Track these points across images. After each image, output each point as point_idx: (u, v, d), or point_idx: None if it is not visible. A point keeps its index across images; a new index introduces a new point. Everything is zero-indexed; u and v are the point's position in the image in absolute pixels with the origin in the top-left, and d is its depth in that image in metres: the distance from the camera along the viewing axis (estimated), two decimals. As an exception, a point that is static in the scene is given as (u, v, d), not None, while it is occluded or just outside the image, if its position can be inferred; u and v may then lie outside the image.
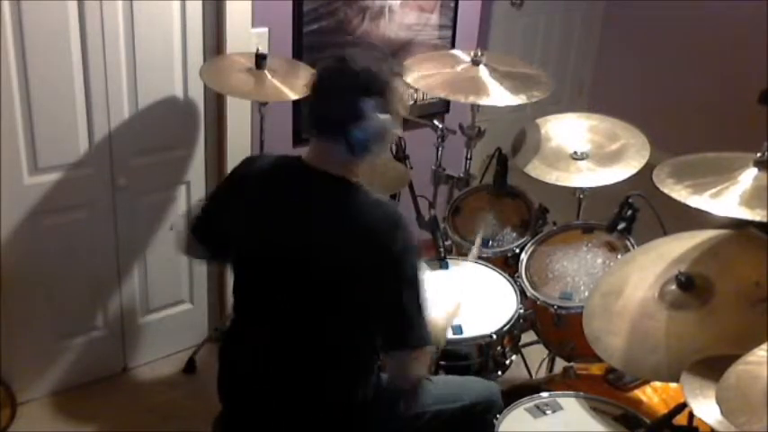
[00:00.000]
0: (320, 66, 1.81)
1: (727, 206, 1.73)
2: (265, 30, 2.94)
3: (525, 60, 3.15)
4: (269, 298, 1.86)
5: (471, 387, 2.11)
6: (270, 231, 1.82)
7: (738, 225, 1.88)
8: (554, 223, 2.74)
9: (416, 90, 3.28)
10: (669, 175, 1.86)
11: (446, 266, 2.57)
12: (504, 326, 2.32)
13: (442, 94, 2.83)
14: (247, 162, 1.96)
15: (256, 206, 1.86)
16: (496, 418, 1.98)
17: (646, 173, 2.30)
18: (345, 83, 1.74)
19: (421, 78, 2.83)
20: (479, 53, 2.85)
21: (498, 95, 2.74)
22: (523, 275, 2.53)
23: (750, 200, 1.73)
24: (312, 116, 1.81)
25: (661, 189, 1.82)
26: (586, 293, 2.39)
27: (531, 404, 2.02)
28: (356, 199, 1.78)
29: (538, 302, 2.46)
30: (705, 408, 1.48)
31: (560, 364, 2.51)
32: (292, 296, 1.80)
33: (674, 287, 1.82)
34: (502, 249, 2.75)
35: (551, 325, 2.47)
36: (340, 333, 1.82)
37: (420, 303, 1.77)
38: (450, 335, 2.20)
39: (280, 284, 1.82)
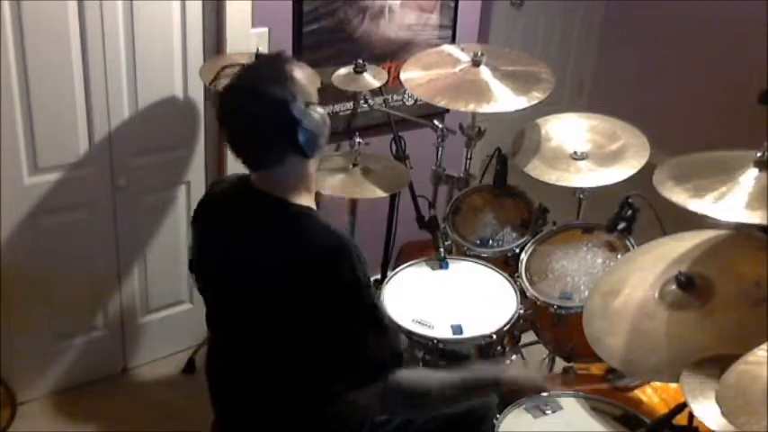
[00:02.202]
0: (223, 105, 1.71)
1: (730, 210, 1.73)
2: (265, 30, 2.94)
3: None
4: (227, 320, 1.86)
5: None
6: (218, 255, 1.81)
7: (739, 225, 1.88)
8: (554, 223, 2.74)
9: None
10: (669, 178, 1.85)
11: (446, 266, 2.57)
12: (504, 326, 2.32)
13: (442, 103, 2.72)
14: (210, 187, 1.96)
15: (209, 230, 1.87)
16: (495, 420, 1.98)
17: (646, 173, 2.30)
18: (257, 106, 1.66)
19: (418, 85, 2.79)
20: (479, 53, 2.81)
21: (500, 101, 2.69)
22: (523, 275, 2.53)
23: (751, 202, 1.73)
24: (243, 156, 1.71)
25: (662, 193, 1.81)
26: (586, 293, 2.39)
27: (531, 404, 2.02)
28: (302, 225, 1.71)
29: (538, 302, 2.46)
30: (705, 408, 1.48)
31: (560, 364, 2.51)
32: (244, 318, 1.79)
33: (674, 287, 1.81)
34: (502, 249, 2.74)
35: (551, 325, 2.47)
36: (290, 358, 1.76)
37: (370, 338, 1.72)
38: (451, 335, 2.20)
39: (232, 307, 1.81)
